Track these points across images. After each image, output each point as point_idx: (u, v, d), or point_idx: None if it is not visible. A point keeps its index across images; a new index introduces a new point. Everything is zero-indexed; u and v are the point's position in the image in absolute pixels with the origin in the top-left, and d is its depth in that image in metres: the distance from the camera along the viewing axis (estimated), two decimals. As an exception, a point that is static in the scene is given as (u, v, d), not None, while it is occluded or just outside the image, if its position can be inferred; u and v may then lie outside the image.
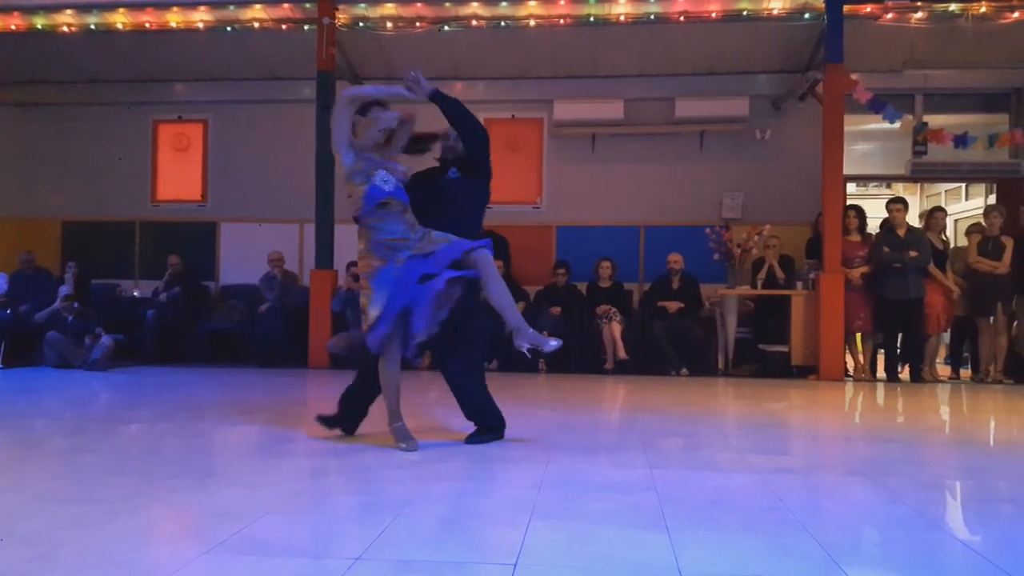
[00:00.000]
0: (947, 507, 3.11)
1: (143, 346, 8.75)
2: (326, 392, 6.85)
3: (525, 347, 3.69)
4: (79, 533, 2.41)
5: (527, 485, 3.14)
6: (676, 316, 8.36)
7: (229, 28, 8.94)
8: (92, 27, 8.99)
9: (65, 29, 9.02)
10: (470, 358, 4.09)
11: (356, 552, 2.25)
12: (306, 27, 8.74)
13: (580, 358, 8.39)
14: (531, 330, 3.71)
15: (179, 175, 10.15)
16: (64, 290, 8.46)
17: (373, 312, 3.61)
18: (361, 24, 8.79)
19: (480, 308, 3.97)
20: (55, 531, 2.43)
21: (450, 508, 2.86)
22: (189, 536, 2.59)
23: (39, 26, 8.99)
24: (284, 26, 8.88)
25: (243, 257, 9.69)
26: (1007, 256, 7.87)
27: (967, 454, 4.21)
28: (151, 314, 8.82)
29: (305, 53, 8.73)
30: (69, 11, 8.81)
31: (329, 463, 3.66)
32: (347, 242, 8.85)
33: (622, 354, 8.19)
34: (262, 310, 8.76)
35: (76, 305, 8.27)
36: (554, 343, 3.71)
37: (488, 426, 4.03)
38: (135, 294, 9.74)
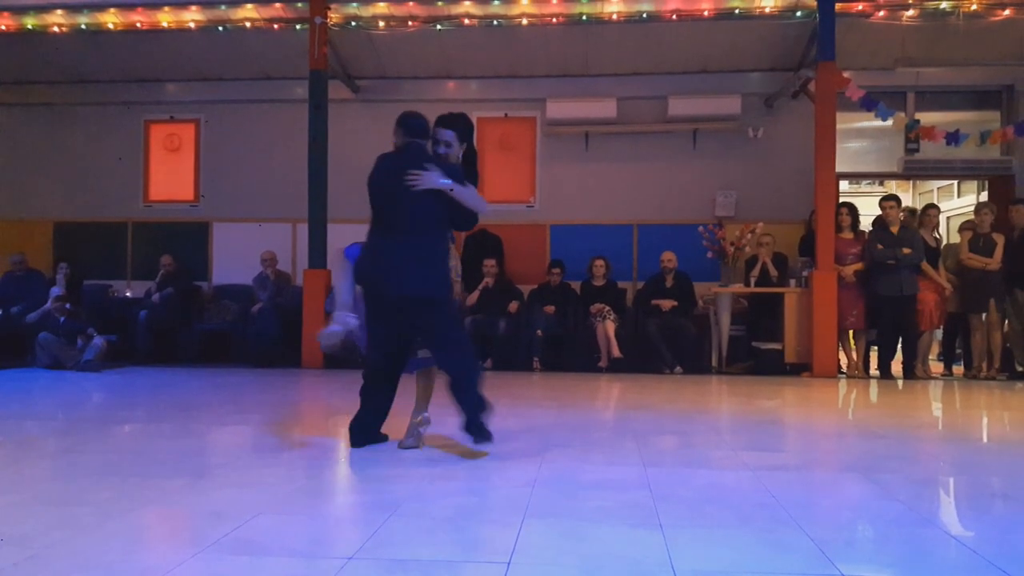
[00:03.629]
0: (940, 503, 3.12)
1: (136, 347, 8.72)
2: (319, 392, 6.86)
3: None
4: (71, 535, 2.40)
5: (521, 484, 3.14)
6: (670, 314, 8.36)
7: (221, 28, 8.91)
8: (83, 27, 8.95)
9: (55, 29, 8.98)
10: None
11: (349, 552, 2.25)
12: (298, 27, 8.72)
13: (574, 357, 8.39)
14: (339, 312, 3.87)
15: (171, 175, 10.11)
16: (56, 291, 8.42)
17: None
18: (353, 23, 8.77)
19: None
20: (47, 533, 2.42)
21: (443, 507, 2.85)
22: (182, 537, 2.59)
23: (29, 26, 8.95)
24: (276, 25, 8.86)
25: (236, 257, 9.65)
26: (998, 253, 7.90)
27: (960, 450, 4.22)
28: (144, 314, 8.79)
29: (297, 53, 8.71)
30: (59, 11, 8.77)
31: (322, 463, 3.65)
32: (340, 241, 8.84)
33: (616, 352, 8.19)
34: (255, 310, 8.74)
35: (68, 306, 8.24)
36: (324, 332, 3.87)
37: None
38: (127, 295, 9.70)
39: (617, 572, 2.12)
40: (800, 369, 8.01)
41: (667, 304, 8.41)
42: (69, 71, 9.82)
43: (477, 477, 3.33)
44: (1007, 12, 8.20)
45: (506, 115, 9.68)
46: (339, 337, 3.83)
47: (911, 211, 8.73)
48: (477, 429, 3.66)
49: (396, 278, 3.67)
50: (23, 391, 6.54)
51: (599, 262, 8.76)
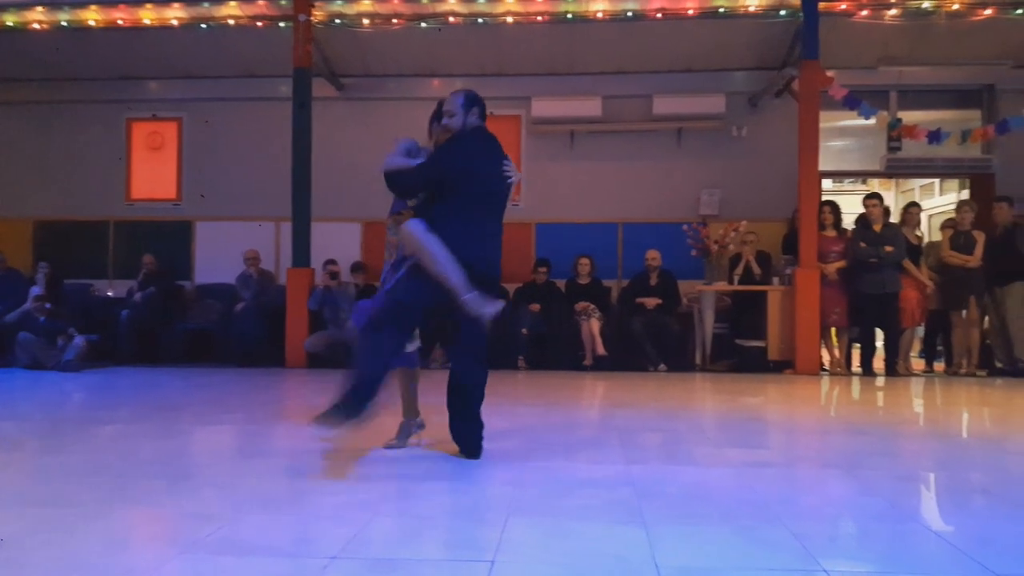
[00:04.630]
0: (921, 499, 3.15)
1: (118, 346, 8.65)
2: (303, 391, 6.83)
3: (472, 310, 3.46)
4: (52, 536, 2.38)
5: (505, 482, 3.15)
6: (654, 312, 8.38)
7: (204, 25, 8.85)
8: (63, 24, 8.86)
9: (36, 26, 8.88)
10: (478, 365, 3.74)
11: (333, 551, 2.24)
12: (282, 24, 8.68)
13: (559, 355, 8.40)
14: (472, 294, 3.46)
15: (153, 174, 10.04)
16: (36, 290, 8.35)
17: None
18: (338, 21, 8.73)
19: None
20: (28, 535, 2.39)
21: (428, 506, 2.85)
22: (165, 538, 2.57)
23: (9, 23, 8.84)
24: (260, 23, 8.81)
25: (219, 256, 9.60)
26: (978, 250, 7.97)
27: (941, 446, 4.26)
28: (125, 314, 8.72)
29: (281, 50, 8.66)
30: (40, 8, 8.67)
31: (306, 463, 3.64)
32: (324, 240, 8.83)
33: (601, 350, 8.20)
34: (238, 309, 8.69)
35: (48, 305, 8.16)
36: (490, 309, 3.47)
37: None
38: (109, 294, 9.62)
39: (601, 570, 2.13)
40: (783, 366, 8.06)
41: (651, 302, 8.43)
42: (50, 68, 9.71)
43: (461, 476, 3.32)
44: (988, 12, 8.27)
45: (491, 113, 9.55)
46: (494, 316, 3.51)
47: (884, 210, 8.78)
48: (466, 441, 3.64)
49: (496, 265, 3.69)
50: (2, 392, 6.47)
51: (584, 260, 8.77)
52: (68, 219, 9.97)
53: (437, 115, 3.83)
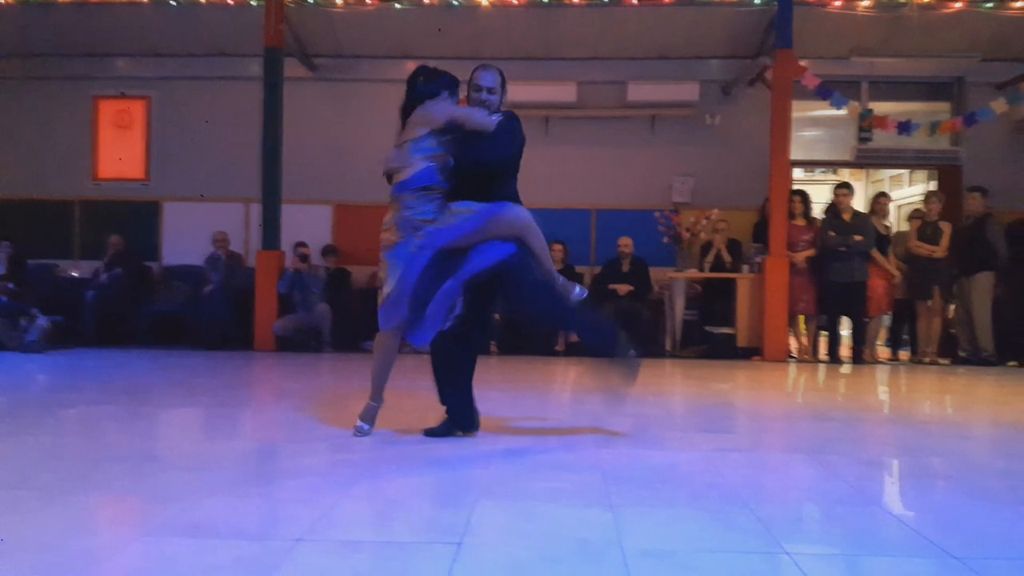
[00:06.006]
0: (884, 483, 3.19)
1: (83, 328, 8.51)
2: (271, 375, 6.78)
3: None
4: (13, 519, 2.34)
5: (474, 465, 3.15)
6: (626, 299, 8.43)
7: (174, 2, 8.70)
8: (28, -3, 8.67)
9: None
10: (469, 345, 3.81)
11: (299, 533, 2.23)
12: (254, 2, 8.56)
13: (532, 340, 8.41)
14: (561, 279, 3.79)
15: (121, 153, 9.86)
16: (-2, 270, 8.19)
17: (386, 288, 3.54)
18: (311, 0, 8.62)
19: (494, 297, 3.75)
20: (-15, 516, 2.35)
21: (396, 489, 2.84)
22: (128, 520, 2.54)
23: (-29, -5, 8.65)
24: (231, 1, 8.67)
25: (187, 237, 9.48)
26: (944, 241, 8.09)
27: (904, 432, 4.33)
28: (91, 295, 8.58)
29: (253, 29, 8.54)
30: (3, -20, 8.49)
31: (273, 446, 3.61)
32: (294, 222, 8.75)
33: (573, 336, 8.23)
34: (206, 291, 8.59)
35: (10, 286, 8.01)
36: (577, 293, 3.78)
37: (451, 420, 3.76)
38: (74, 275, 9.46)
39: (567, 551, 2.13)
40: (751, 353, 8.14)
41: (623, 289, 8.47)
42: (14, 44, 9.48)
43: (430, 459, 3.32)
44: (959, 5, 8.37)
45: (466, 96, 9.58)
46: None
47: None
48: (474, 416, 3.71)
49: None
50: (-36, 372, 6.35)
51: (557, 246, 8.76)
52: (32, 198, 9.78)
53: (447, 85, 3.74)
